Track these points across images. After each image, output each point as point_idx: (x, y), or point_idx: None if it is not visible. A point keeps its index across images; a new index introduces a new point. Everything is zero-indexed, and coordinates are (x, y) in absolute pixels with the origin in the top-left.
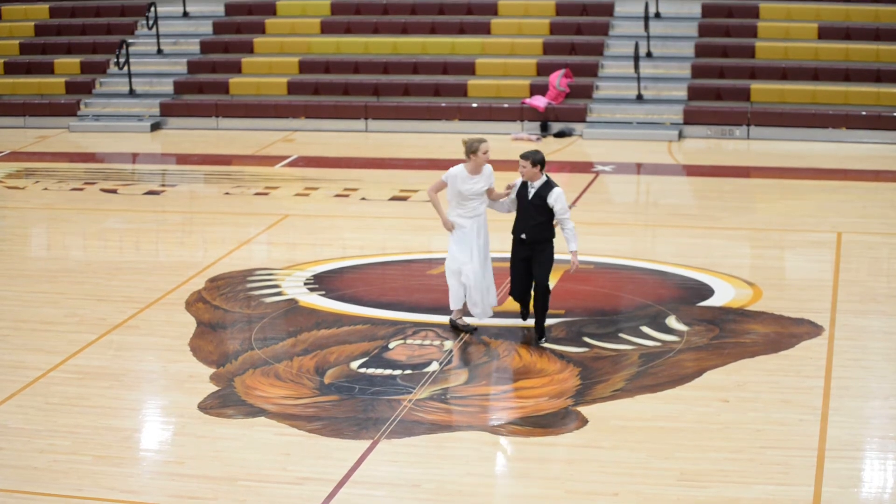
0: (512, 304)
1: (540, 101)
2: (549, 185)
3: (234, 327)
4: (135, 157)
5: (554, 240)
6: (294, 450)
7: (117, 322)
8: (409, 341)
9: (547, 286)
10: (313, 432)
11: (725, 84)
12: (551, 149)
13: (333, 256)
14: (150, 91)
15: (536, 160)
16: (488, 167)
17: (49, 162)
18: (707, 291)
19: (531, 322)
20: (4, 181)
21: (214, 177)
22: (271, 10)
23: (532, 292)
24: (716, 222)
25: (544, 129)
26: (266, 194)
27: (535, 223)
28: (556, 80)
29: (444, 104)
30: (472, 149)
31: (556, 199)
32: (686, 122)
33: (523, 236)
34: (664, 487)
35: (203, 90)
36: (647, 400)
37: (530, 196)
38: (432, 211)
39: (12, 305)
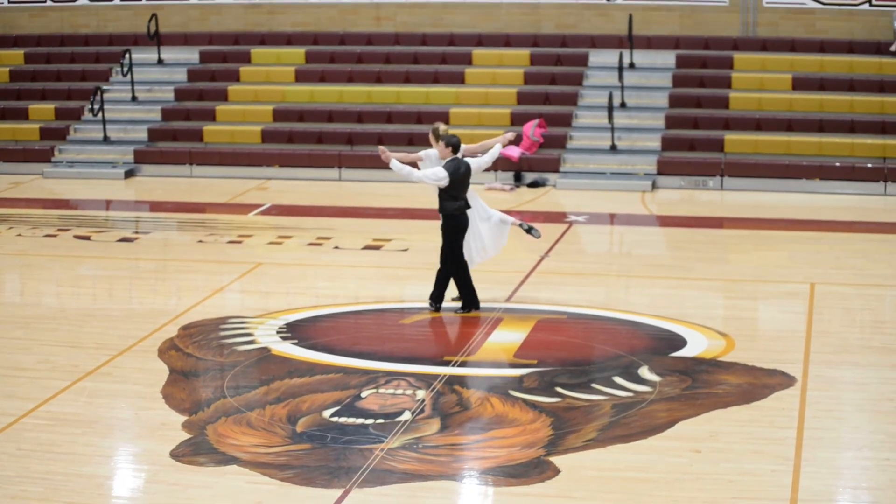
0: (486, 354)
1: (514, 151)
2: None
3: (206, 375)
4: (108, 204)
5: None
6: (266, 498)
7: (90, 369)
8: (381, 390)
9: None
10: (285, 481)
11: (699, 135)
12: (525, 199)
13: (306, 305)
14: (125, 138)
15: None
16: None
17: (23, 208)
18: (680, 342)
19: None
20: None
21: (188, 224)
22: (246, 58)
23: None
24: (689, 273)
25: (518, 179)
26: (239, 242)
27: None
28: (530, 129)
29: None
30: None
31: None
32: (660, 173)
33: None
34: None
35: (177, 137)
36: (620, 450)
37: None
38: (405, 260)
39: None
